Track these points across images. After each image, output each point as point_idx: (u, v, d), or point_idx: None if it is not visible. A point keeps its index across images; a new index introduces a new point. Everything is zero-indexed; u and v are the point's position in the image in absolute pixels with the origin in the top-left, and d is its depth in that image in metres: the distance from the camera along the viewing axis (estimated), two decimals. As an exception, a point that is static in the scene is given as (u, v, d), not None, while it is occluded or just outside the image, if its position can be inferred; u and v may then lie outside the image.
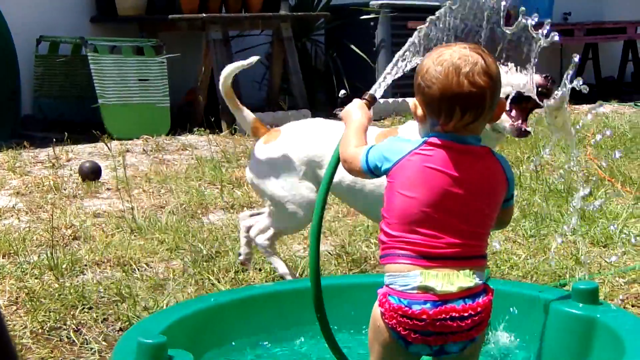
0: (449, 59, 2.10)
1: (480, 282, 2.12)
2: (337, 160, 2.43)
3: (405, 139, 2.21)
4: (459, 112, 2.10)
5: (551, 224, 4.30)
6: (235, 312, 2.85)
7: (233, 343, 2.80)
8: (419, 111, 2.17)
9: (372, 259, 3.84)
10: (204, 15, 8.03)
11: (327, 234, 4.31)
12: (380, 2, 9.37)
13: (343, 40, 9.36)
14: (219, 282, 3.55)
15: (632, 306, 3.21)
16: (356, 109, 2.39)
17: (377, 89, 2.54)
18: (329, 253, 3.97)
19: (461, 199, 2.11)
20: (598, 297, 2.59)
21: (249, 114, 3.54)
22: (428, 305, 2.08)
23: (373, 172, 2.22)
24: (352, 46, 9.17)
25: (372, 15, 9.26)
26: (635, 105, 10.62)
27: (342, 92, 8.03)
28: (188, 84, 8.27)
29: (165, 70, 7.74)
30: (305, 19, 9.21)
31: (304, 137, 3.35)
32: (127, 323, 3.12)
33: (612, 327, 2.45)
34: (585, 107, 10.39)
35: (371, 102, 2.47)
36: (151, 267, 3.79)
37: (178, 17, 8.08)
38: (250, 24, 8.66)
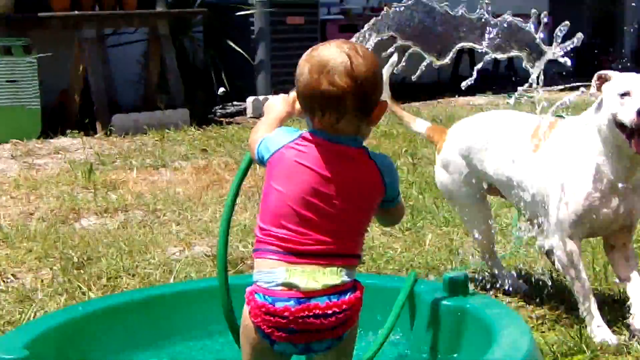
0: (317, 57, 2.09)
1: (349, 279, 2.10)
2: (248, 163, 2.45)
3: (290, 130, 2.18)
4: (318, 110, 2.09)
5: (427, 217, 4.33)
6: (105, 321, 2.75)
7: (103, 354, 2.70)
8: (297, 105, 2.18)
9: (249, 259, 3.79)
10: (77, 13, 7.80)
11: (203, 235, 4.24)
12: (258, -3, 9.31)
13: (222, 38, 9.26)
14: (90, 290, 3.43)
15: (503, 294, 3.25)
16: (278, 102, 2.35)
17: None
18: (205, 255, 3.90)
19: (329, 199, 2.10)
20: (468, 287, 2.64)
21: (421, 124, 3.45)
22: (291, 302, 2.06)
23: (262, 161, 2.19)
24: (231, 43, 9.08)
25: (250, 11, 9.19)
26: (509, 95, 10.91)
27: (221, 89, 7.91)
28: (61, 85, 8.03)
29: (35, 70, 7.48)
30: (182, 16, 9.06)
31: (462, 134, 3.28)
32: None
33: (481, 316, 2.50)
34: (461, 99, 10.61)
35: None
36: (18, 278, 3.64)
37: (49, 15, 7.82)
38: (125, 21, 8.46)
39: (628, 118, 2.71)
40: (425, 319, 2.65)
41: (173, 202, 4.88)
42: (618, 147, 2.79)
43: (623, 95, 2.75)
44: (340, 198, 2.10)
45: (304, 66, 2.10)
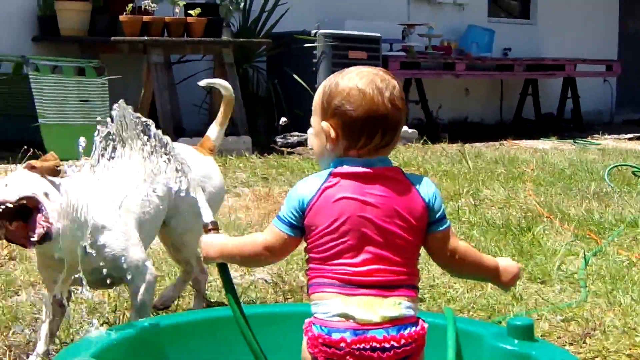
0: (370, 82, 2.11)
1: (410, 313, 2.08)
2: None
3: (313, 178, 2.15)
4: (380, 133, 2.11)
5: (489, 259, 4.31)
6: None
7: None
8: (333, 133, 2.13)
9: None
10: (146, 38, 8.00)
11: (264, 262, 4.27)
12: (321, 31, 9.42)
13: (284, 68, 9.38)
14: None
15: (570, 344, 3.19)
16: (212, 240, 2.34)
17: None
18: (266, 281, 3.93)
19: (376, 223, 2.08)
20: (533, 333, 2.54)
21: None
22: (347, 333, 2.03)
23: (295, 227, 2.14)
24: (294, 74, 9.19)
25: (314, 44, 9.30)
26: (575, 142, 10.75)
27: (283, 119, 7.98)
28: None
29: (106, 91, 7.66)
30: (247, 46, 9.21)
31: None
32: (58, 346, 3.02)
33: (547, 365, 2.42)
34: (524, 142, 10.54)
35: (216, 228, 2.45)
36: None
37: (120, 39, 8.05)
38: (192, 48, 8.64)
39: None
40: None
41: (234, 227, 4.94)
42: None
43: None
44: (385, 222, 2.09)
45: (356, 92, 2.10)
